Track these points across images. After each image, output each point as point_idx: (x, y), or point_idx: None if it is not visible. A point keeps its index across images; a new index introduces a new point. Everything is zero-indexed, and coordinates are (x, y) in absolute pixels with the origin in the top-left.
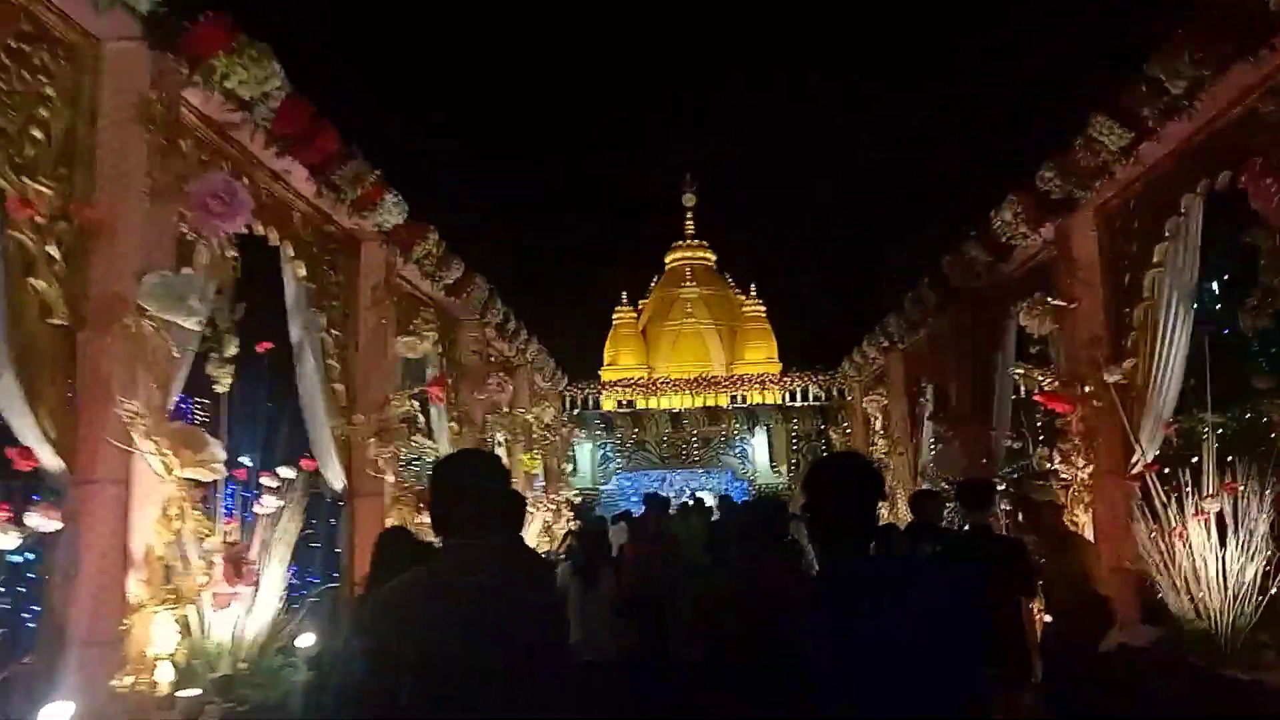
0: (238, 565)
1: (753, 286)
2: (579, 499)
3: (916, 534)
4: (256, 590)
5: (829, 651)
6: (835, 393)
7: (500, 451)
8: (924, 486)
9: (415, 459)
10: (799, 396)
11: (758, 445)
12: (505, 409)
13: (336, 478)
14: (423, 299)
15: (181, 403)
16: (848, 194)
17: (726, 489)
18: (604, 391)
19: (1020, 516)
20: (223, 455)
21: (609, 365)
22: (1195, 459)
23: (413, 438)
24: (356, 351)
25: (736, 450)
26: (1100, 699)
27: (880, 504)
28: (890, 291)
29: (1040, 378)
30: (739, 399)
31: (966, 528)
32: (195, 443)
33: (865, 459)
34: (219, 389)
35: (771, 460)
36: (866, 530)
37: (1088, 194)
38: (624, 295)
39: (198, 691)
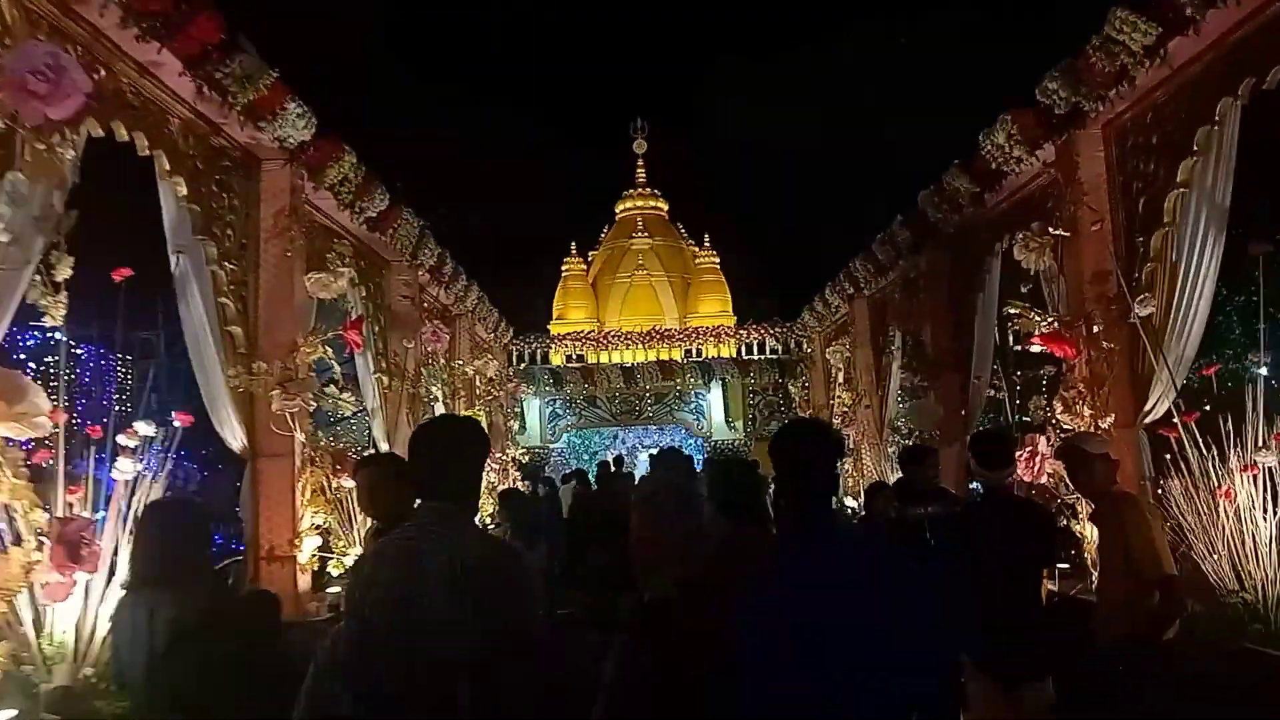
0: (74, 547)
1: (706, 237)
2: (526, 458)
3: (906, 495)
4: (111, 576)
5: (764, 638)
6: (793, 345)
7: (437, 408)
8: (905, 441)
9: (342, 417)
10: (755, 350)
11: (713, 401)
12: (442, 361)
13: (234, 436)
14: (339, 232)
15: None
16: (805, 137)
17: (681, 446)
18: (552, 345)
19: (1068, 475)
20: (47, 406)
21: (558, 319)
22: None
23: (325, 388)
24: (258, 290)
25: (691, 406)
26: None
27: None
28: (852, 239)
29: (1038, 318)
30: (693, 353)
31: (978, 488)
32: (10, 391)
33: (823, 426)
34: (49, 321)
35: (728, 416)
36: (825, 501)
37: (1099, 106)
38: (573, 246)
39: (13, 713)
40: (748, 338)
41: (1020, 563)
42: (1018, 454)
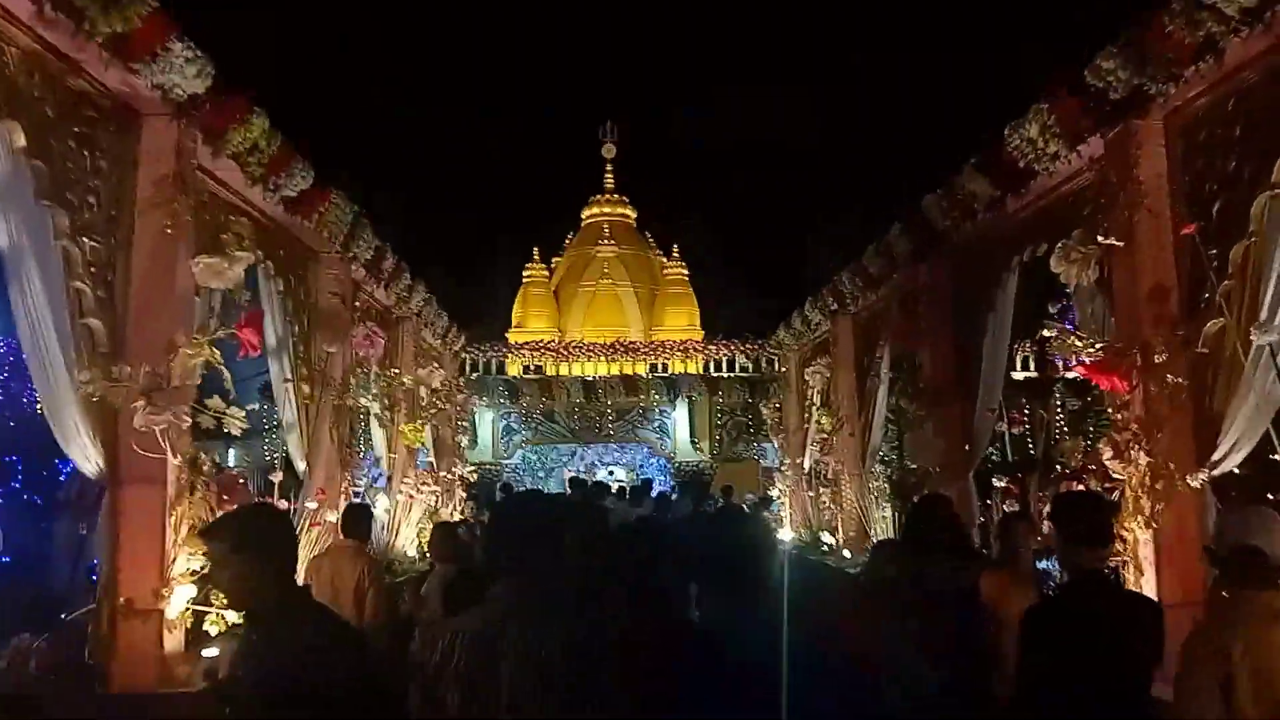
0: None
1: (675, 247)
2: (475, 475)
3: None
4: None
5: None
6: (765, 363)
7: (372, 423)
8: (888, 473)
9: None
10: (725, 367)
11: (678, 419)
12: (375, 369)
13: (86, 456)
14: (242, 209)
15: None
16: (784, 144)
17: (643, 466)
18: (508, 355)
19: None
20: None
21: (516, 327)
22: None
23: (206, 400)
24: (128, 274)
25: (654, 424)
26: None
27: None
28: (836, 251)
29: (1079, 344)
30: (659, 368)
31: (1062, 572)
32: None
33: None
34: None
35: (693, 435)
36: None
37: (1169, 89)
38: (535, 251)
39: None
40: (717, 354)
41: (1134, 671)
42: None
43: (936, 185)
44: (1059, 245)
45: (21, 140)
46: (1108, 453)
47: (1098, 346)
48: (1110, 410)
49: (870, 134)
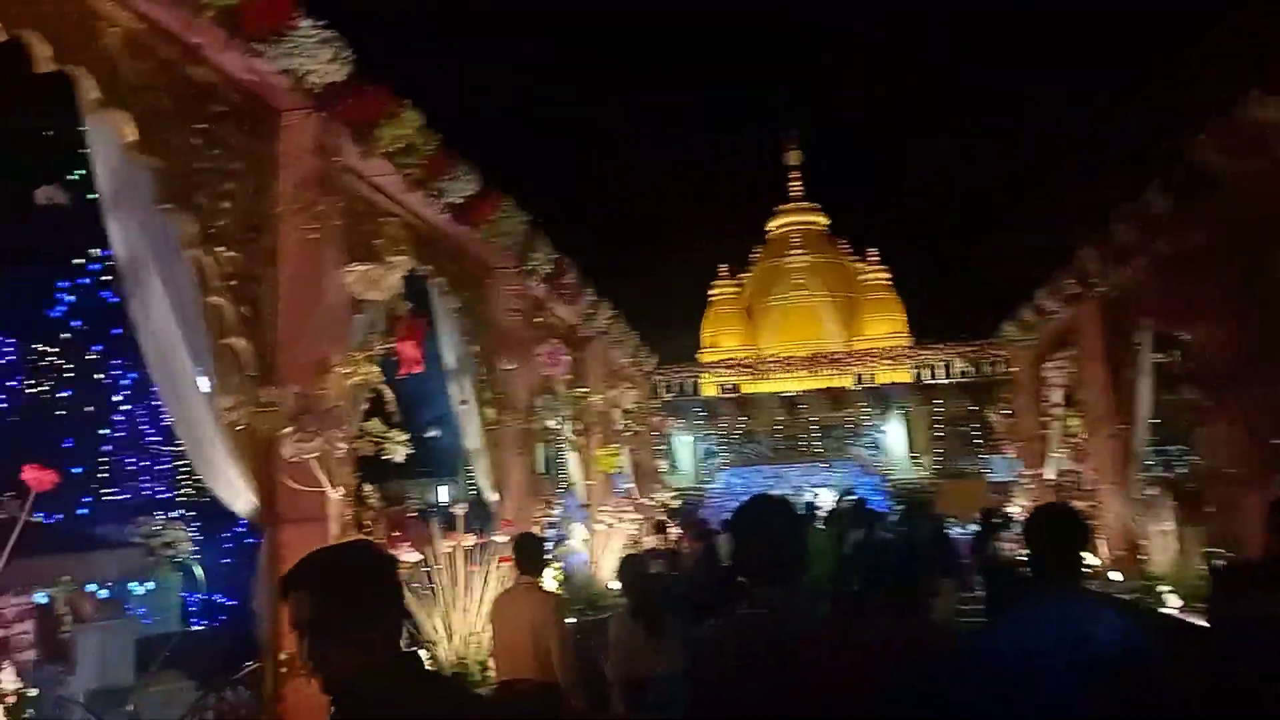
0: None
1: (873, 251)
2: (677, 502)
3: None
4: None
5: None
6: (989, 365)
7: (565, 448)
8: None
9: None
10: (940, 373)
11: (892, 433)
12: (564, 389)
13: (236, 494)
14: (400, 214)
15: None
16: (997, 113)
17: (856, 486)
18: (702, 375)
19: None
20: None
21: (707, 348)
22: None
23: (364, 424)
24: (275, 289)
25: (865, 439)
26: None
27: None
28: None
29: None
30: (865, 379)
31: None
32: None
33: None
34: None
35: (911, 450)
36: None
37: None
38: (720, 269)
39: None
40: (930, 359)
41: None
42: None
43: (1200, 129)
44: None
45: (133, 133)
46: None
47: None
48: None
49: (1101, 86)
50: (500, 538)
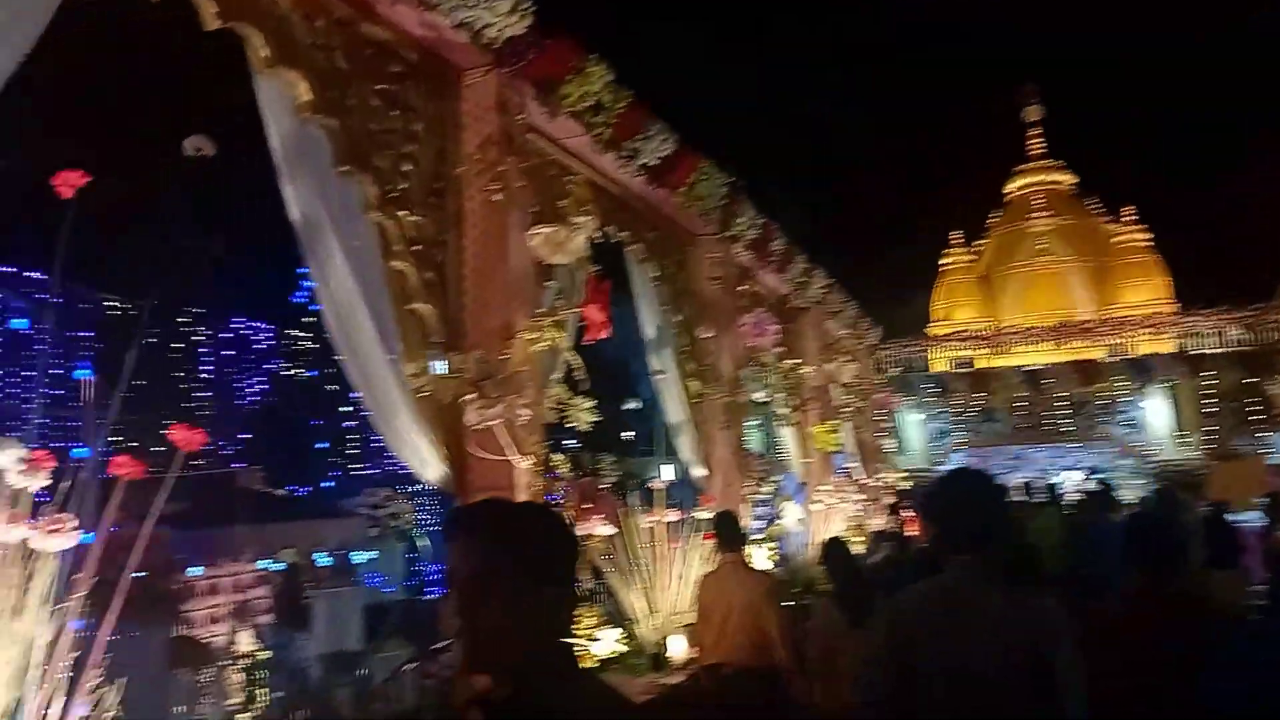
0: None
1: (1129, 209)
2: (908, 483)
3: None
4: None
5: None
6: (1268, 332)
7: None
8: None
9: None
10: (1208, 342)
11: (1153, 409)
12: (769, 360)
13: (424, 462)
14: (589, 175)
15: None
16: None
17: (1112, 469)
18: (933, 348)
19: None
20: None
21: (939, 320)
22: None
23: (549, 390)
24: (460, 253)
25: (1123, 417)
26: None
27: None
28: None
29: None
30: (1121, 350)
31: None
32: None
33: None
34: None
35: (1177, 428)
36: None
37: None
38: (953, 236)
39: None
40: (1197, 327)
41: None
42: None
43: None
44: None
45: (307, 94)
46: None
47: None
48: None
49: None
50: (703, 514)
